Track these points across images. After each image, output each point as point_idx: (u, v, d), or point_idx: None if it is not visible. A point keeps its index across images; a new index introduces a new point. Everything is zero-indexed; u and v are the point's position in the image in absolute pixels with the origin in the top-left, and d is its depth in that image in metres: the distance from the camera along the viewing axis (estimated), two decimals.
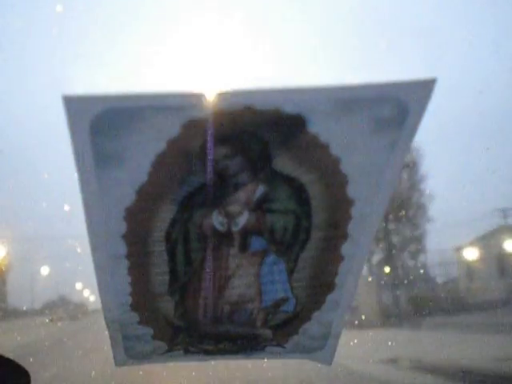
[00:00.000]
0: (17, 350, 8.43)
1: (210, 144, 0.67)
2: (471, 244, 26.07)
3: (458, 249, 26.41)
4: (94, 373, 6.40)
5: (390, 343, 10.34)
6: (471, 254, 25.94)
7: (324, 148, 0.69)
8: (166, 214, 0.74)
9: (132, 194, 0.70)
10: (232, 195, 0.74)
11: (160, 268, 0.80)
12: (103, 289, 0.82)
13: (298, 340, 0.96)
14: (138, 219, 0.73)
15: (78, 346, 11.27)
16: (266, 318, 0.90)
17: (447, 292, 21.93)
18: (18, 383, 1.11)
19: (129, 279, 0.80)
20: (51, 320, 23.73)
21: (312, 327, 0.93)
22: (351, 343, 7.92)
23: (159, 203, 0.72)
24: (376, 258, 22.27)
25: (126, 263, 0.78)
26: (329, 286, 0.87)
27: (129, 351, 0.95)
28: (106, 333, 0.91)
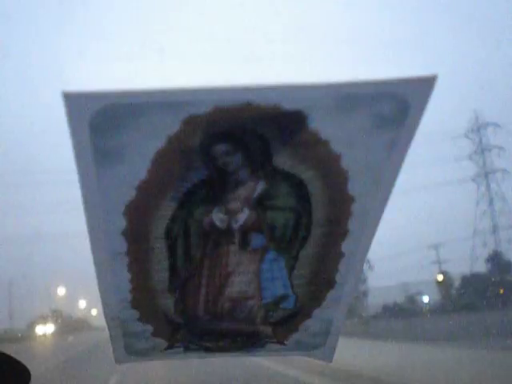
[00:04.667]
0: None
1: (210, 140, 0.67)
2: None
3: None
4: None
5: None
6: None
7: (324, 144, 0.69)
8: (166, 210, 0.74)
9: (132, 190, 0.70)
10: (232, 192, 0.74)
11: (160, 265, 0.80)
12: (103, 286, 0.81)
13: (298, 337, 0.96)
14: (137, 216, 0.73)
15: None
16: (266, 315, 0.89)
17: None
18: (19, 380, 1.11)
19: (129, 276, 0.80)
20: None
21: (312, 324, 0.93)
22: None
23: (159, 200, 0.72)
24: None
25: (125, 260, 0.78)
26: (329, 283, 0.87)
27: (128, 348, 0.95)
28: None
